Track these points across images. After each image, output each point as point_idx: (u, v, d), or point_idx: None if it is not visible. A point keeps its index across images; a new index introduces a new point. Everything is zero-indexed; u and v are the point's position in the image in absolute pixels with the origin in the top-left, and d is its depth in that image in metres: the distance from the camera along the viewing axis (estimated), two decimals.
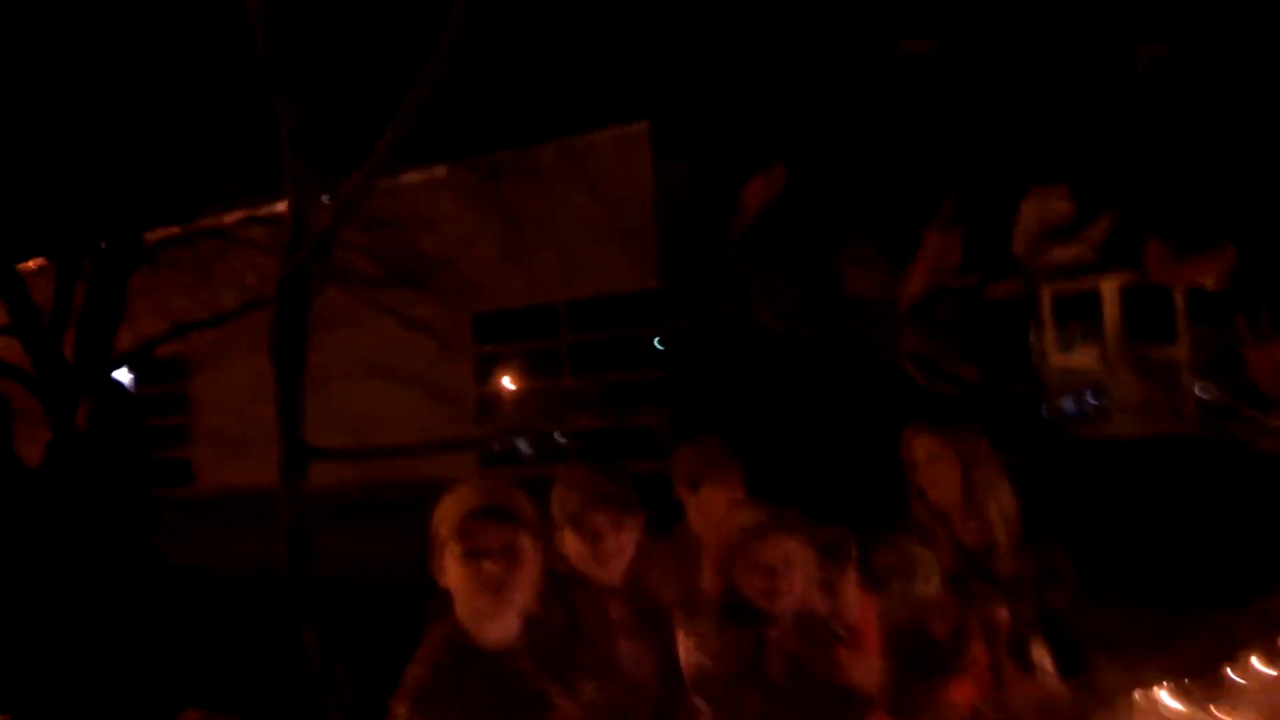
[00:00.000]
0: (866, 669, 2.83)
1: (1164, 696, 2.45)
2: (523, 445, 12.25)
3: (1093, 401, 11.09)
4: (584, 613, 2.52)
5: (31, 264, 11.89)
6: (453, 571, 2.20)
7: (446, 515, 2.24)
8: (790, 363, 8.65)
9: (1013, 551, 3.35)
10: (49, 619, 3.45)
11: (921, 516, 3.42)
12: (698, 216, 9.88)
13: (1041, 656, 3.50)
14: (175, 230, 11.75)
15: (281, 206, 2.02)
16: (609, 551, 2.58)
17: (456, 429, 11.78)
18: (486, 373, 12.22)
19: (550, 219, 11.30)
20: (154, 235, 11.49)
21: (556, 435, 11.92)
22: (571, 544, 2.60)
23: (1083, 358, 11.32)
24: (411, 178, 11.76)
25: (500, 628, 2.20)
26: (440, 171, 11.85)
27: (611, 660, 2.50)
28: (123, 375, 13.75)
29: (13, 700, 3.27)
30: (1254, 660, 2.49)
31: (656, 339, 11.05)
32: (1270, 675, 2.45)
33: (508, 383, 12.24)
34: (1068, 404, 11.29)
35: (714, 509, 3.26)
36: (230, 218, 11.62)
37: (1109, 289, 11.03)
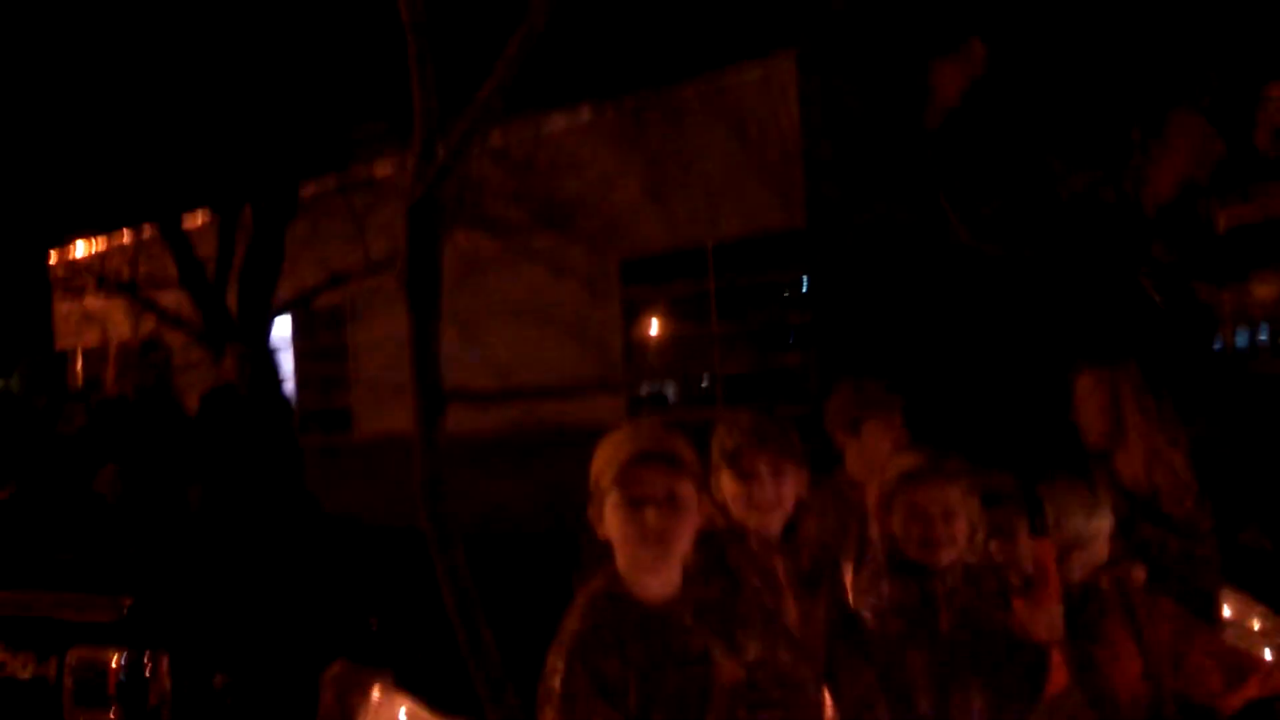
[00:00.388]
0: (1044, 618, 2.65)
1: None
2: (670, 390, 12.20)
3: (1272, 333, 10.44)
4: (746, 567, 2.40)
5: (197, 220, 12.35)
6: (612, 521, 2.08)
7: (606, 462, 2.12)
8: (948, 296, 8.30)
9: (1184, 494, 3.13)
10: (205, 559, 3.56)
11: (1086, 457, 3.24)
12: (849, 148, 9.51)
13: (1227, 604, 3.26)
14: (330, 182, 12.03)
15: None
16: (767, 497, 2.44)
17: (603, 373, 11.79)
18: (633, 317, 12.18)
19: (696, 159, 11.12)
20: (309, 188, 11.78)
21: (704, 379, 11.81)
22: (728, 487, 2.48)
23: (1261, 288, 10.63)
24: (556, 124, 11.74)
25: (661, 580, 2.09)
26: (584, 115, 11.78)
27: (776, 616, 2.37)
28: (284, 326, 14.23)
29: (172, 641, 3.37)
30: None
31: (804, 278, 10.81)
32: None
33: (655, 327, 12.19)
34: (1244, 337, 10.67)
35: (876, 451, 3.11)
36: (381, 168, 11.82)
37: None
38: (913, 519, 2.61)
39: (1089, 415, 3.26)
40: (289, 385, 14.41)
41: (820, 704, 2.38)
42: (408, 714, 1.98)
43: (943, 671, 2.51)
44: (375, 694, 1.95)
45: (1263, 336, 10.49)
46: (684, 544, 2.09)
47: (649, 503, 2.05)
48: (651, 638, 2.03)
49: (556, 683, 1.95)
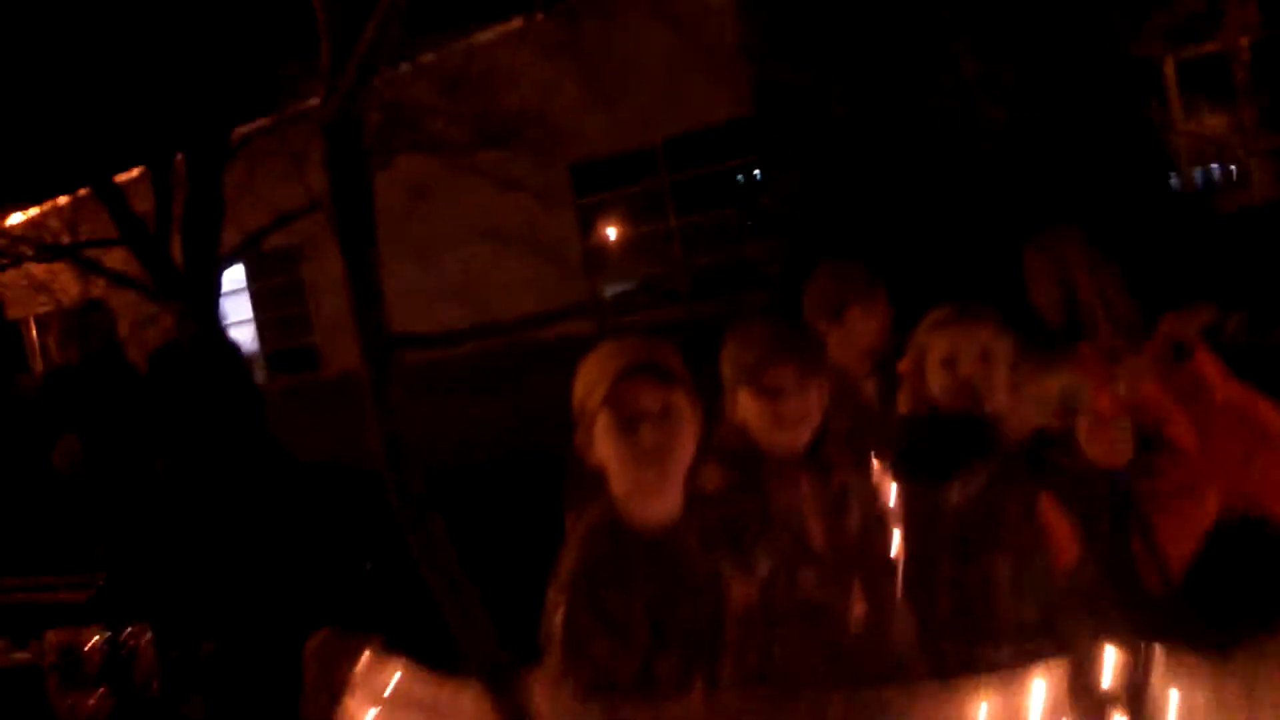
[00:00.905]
0: (1104, 438, 2.47)
1: None
2: (635, 290, 12.09)
3: (1227, 169, 10.40)
4: (771, 485, 2.21)
5: (131, 174, 11.94)
6: (605, 444, 1.90)
7: (592, 382, 1.91)
8: (900, 175, 8.19)
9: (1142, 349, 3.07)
10: (177, 526, 3.44)
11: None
12: (788, 31, 9.31)
13: None
14: (261, 121, 11.63)
15: None
16: (792, 412, 2.20)
17: (565, 283, 11.64)
18: (589, 223, 12.00)
19: (634, 59, 10.87)
20: (242, 130, 11.39)
21: (668, 277, 11.69)
22: (749, 406, 2.24)
23: (1213, 123, 10.55)
24: (487, 36, 11.39)
25: (663, 503, 1.92)
26: (515, 24, 11.44)
27: (801, 537, 2.20)
28: (235, 272, 13.92)
29: (152, 614, 3.26)
30: None
31: (759, 166, 10.65)
32: None
33: (612, 230, 12.01)
34: (1200, 175, 10.64)
35: (863, 336, 2.97)
36: (313, 103, 11.41)
37: (1239, 47, 10.15)
38: (949, 367, 2.45)
39: (1041, 292, 3.17)
40: (248, 329, 14.17)
41: (848, 622, 2.24)
42: (401, 676, 1.86)
43: (965, 548, 2.39)
44: (365, 659, 1.83)
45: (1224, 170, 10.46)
46: (683, 460, 1.92)
47: (643, 419, 1.87)
48: (656, 567, 1.88)
49: (559, 623, 1.81)
